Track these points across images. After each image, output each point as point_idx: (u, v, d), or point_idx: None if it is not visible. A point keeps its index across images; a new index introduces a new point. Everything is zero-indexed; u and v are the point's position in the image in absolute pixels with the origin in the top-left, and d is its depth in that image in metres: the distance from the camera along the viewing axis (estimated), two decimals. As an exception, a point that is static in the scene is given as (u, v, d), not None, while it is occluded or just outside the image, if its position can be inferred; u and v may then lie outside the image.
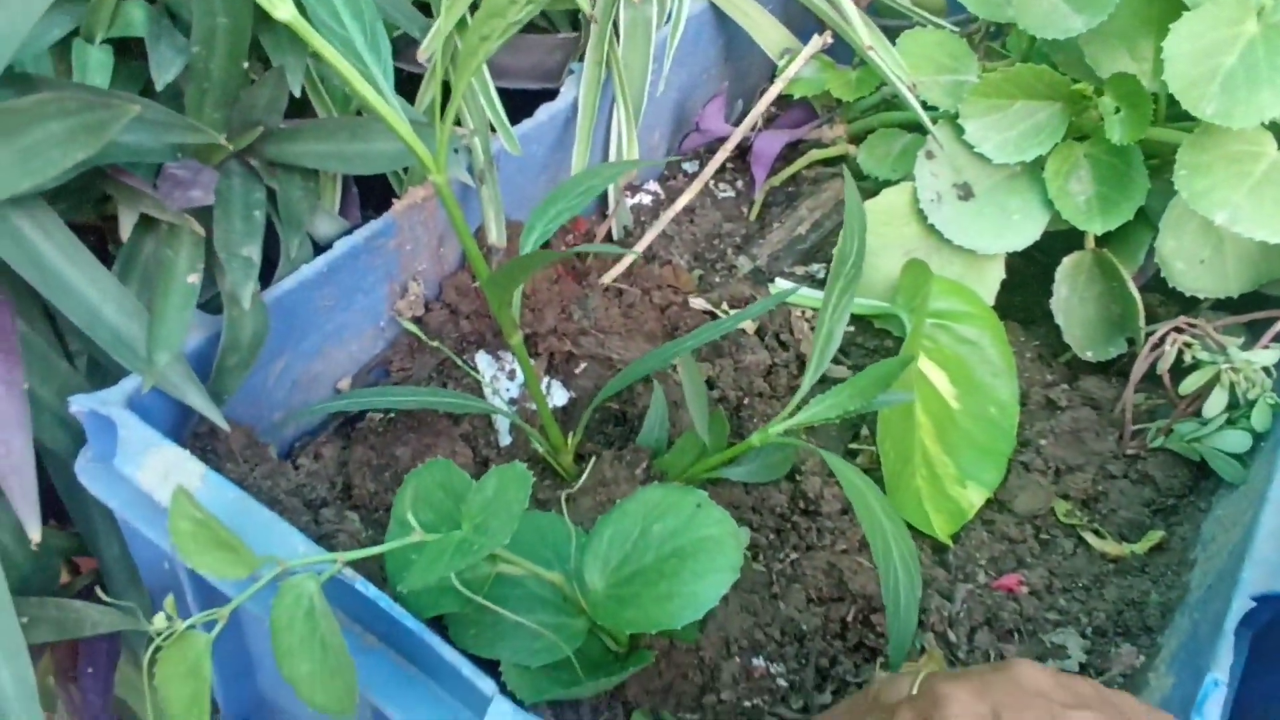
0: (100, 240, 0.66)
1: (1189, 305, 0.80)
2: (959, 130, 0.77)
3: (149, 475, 0.53)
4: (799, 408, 0.60)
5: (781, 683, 0.62)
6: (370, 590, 0.49)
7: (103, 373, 0.60)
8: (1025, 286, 0.84)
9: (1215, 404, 0.70)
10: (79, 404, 0.54)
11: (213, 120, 0.59)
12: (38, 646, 0.58)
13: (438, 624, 0.56)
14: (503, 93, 0.76)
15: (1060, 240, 0.80)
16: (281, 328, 0.63)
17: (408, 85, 0.75)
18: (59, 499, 0.63)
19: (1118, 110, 0.72)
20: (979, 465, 0.73)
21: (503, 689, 0.50)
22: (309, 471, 0.66)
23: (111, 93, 0.47)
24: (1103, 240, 0.79)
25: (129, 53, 0.60)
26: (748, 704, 0.61)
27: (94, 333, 0.53)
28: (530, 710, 0.48)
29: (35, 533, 0.48)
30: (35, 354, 0.55)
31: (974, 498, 0.72)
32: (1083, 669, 0.63)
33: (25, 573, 0.58)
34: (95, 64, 0.53)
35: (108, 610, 0.56)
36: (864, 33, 0.79)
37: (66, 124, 0.46)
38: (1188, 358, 0.72)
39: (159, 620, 0.45)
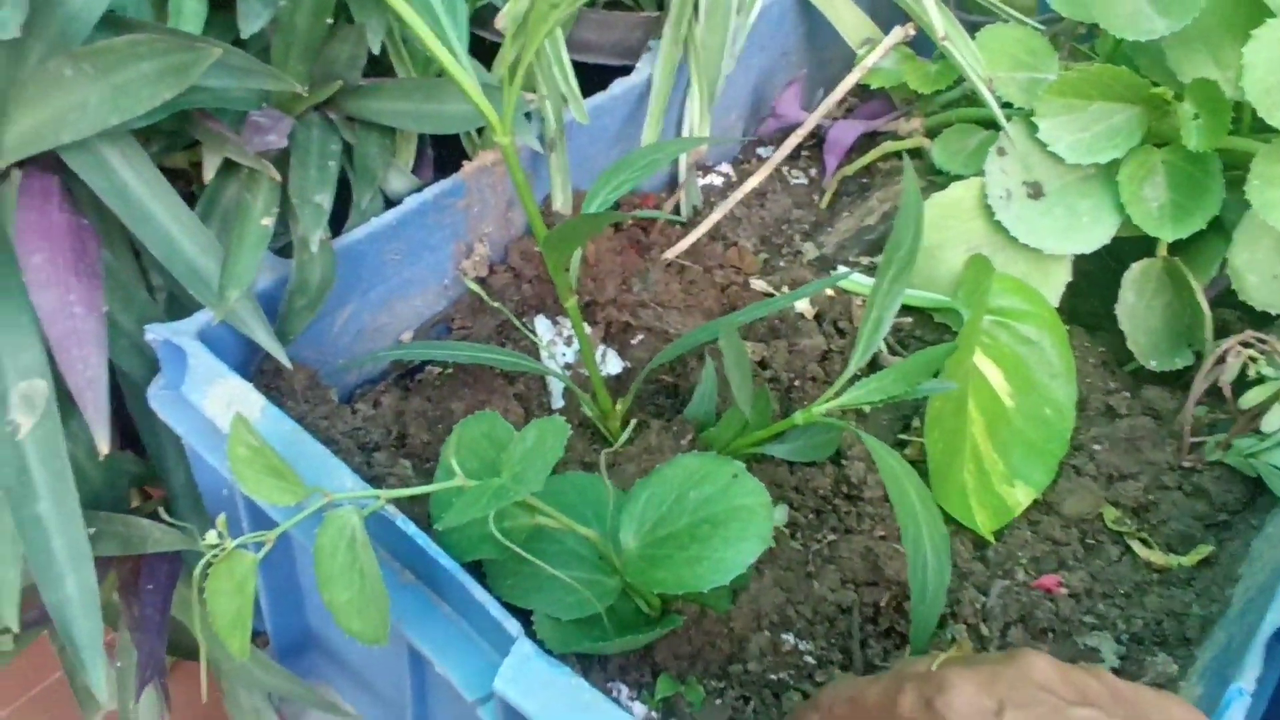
0: (187, 185, 0.70)
1: (1262, 321, 0.78)
2: (1033, 128, 0.76)
3: (213, 404, 0.56)
4: (843, 389, 0.61)
5: (809, 660, 0.63)
6: (410, 528, 0.52)
7: (180, 307, 0.63)
8: (1094, 292, 0.83)
9: (1275, 419, 0.68)
10: (154, 332, 0.57)
11: (296, 72, 0.61)
12: (104, 561, 0.62)
13: (477, 571, 0.59)
14: (586, 68, 0.77)
15: (1131, 246, 0.79)
16: (349, 277, 0.66)
17: (492, 53, 0.77)
18: (135, 428, 0.66)
19: (1196, 117, 0.71)
20: (1029, 465, 0.72)
21: (534, 639, 0.51)
22: (366, 416, 0.69)
23: (199, 37, 0.50)
24: (1174, 249, 0.77)
25: (224, 6, 0.63)
26: (773, 677, 0.61)
27: (171, 265, 0.56)
28: (559, 660, 0.50)
29: (104, 445, 0.51)
30: (118, 283, 0.59)
31: (1021, 497, 0.72)
32: (1115, 674, 0.63)
33: (97, 489, 0.61)
34: (189, 12, 0.56)
35: (169, 530, 0.59)
36: (940, 23, 0.79)
37: (156, 64, 0.49)
38: (1252, 372, 0.70)
39: (210, 537, 0.48)
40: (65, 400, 0.55)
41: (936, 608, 0.59)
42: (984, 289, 0.74)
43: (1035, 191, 0.77)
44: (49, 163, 0.55)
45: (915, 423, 0.77)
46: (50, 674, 1.01)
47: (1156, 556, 0.69)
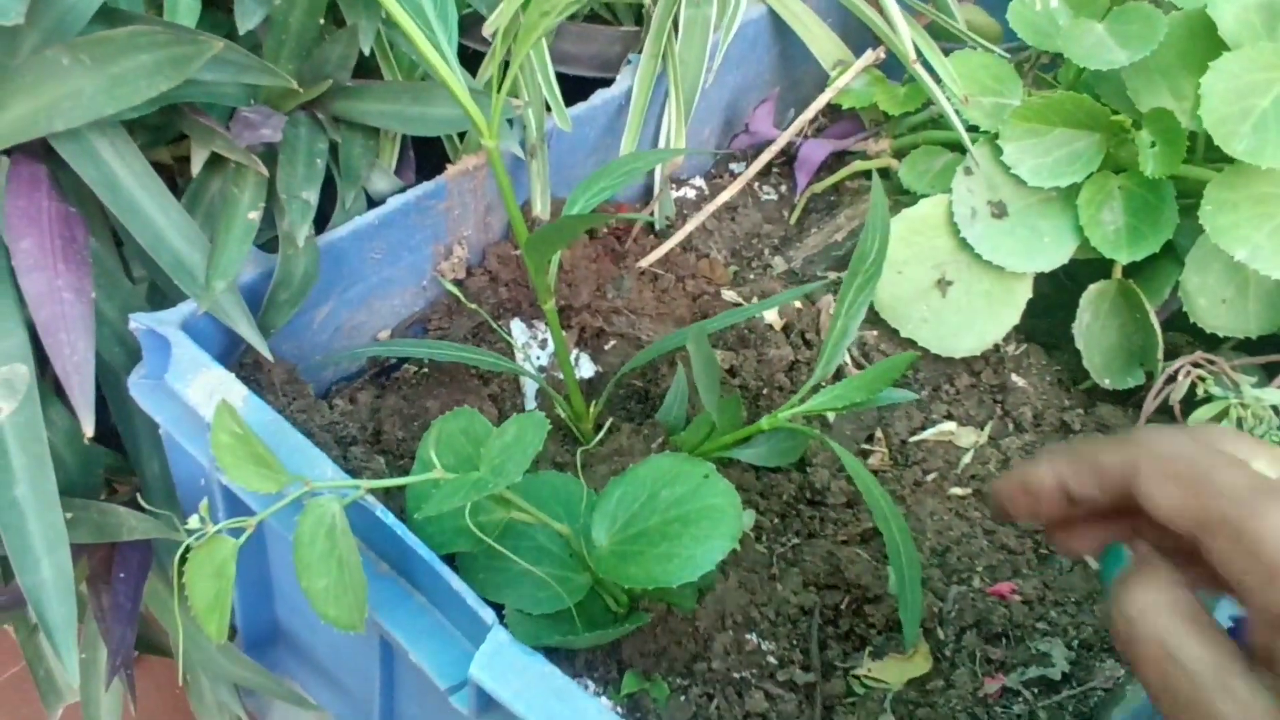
0: (171, 180, 0.70)
1: (1212, 343, 0.81)
2: (997, 151, 0.79)
3: (196, 393, 0.56)
4: (808, 396, 0.63)
5: (771, 659, 0.64)
6: (389, 518, 0.52)
7: (161, 297, 0.64)
8: (1052, 311, 0.86)
9: (1222, 437, 0.71)
10: (138, 321, 0.58)
11: (287, 70, 0.62)
12: (76, 548, 0.62)
13: (450, 564, 0.60)
14: (563, 79, 0.79)
15: (1089, 268, 0.82)
16: (331, 274, 0.67)
17: (472, 62, 0.78)
18: (111, 420, 0.67)
19: (1153, 144, 0.74)
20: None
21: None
22: (343, 412, 0.70)
23: (198, 31, 0.51)
24: (1130, 271, 0.80)
25: (216, 4, 0.64)
26: (737, 675, 0.63)
27: (158, 256, 0.57)
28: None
29: (89, 428, 0.51)
30: (103, 271, 0.59)
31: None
32: (1065, 678, 0.65)
33: (73, 476, 0.62)
34: (184, 8, 0.57)
35: (145, 518, 0.59)
36: (911, 48, 0.82)
37: (154, 56, 0.50)
38: (1200, 392, 0.73)
39: (193, 521, 0.49)
40: (44, 386, 0.56)
41: (919, 598, 0.61)
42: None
43: (999, 211, 0.80)
44: (39, 150, 0.56)
45: (878, 434, 0.79)
46: (7, 669, 1.00)
47: (1107, 567, 0.71)
